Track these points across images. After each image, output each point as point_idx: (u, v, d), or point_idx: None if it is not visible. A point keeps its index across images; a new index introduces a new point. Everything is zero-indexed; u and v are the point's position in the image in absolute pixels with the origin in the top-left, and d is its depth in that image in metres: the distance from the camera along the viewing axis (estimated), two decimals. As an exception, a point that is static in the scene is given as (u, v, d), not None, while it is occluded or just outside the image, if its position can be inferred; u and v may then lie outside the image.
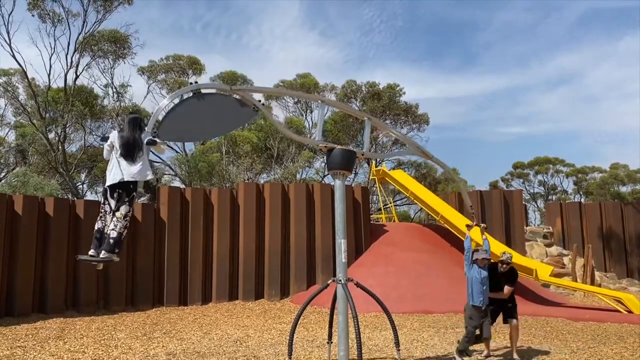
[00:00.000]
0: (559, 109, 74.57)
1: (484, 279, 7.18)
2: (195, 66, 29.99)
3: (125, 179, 5.45)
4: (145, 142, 5.62)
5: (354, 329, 5.95)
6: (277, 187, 15.55)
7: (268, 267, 14.88)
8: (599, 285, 16.92)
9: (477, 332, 7.16)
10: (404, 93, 31.88)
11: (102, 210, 5.62)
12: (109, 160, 5.62)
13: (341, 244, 6.54)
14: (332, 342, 6.96)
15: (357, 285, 6.52)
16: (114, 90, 27.07)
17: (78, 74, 24.43)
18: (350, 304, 6.18)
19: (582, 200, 39.44)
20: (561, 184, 43.10)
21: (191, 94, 5.99)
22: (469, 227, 7.98)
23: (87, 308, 12.54)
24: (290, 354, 6.23)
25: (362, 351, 5.94)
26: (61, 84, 24.67)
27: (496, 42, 76.66)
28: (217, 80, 30.89)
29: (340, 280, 6.42)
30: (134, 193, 5.66)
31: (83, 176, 30.54)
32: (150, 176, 5.69)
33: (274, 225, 15.07)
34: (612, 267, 20.31)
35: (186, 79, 30.06)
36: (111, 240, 5.47)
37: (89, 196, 30.25)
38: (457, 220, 15.78)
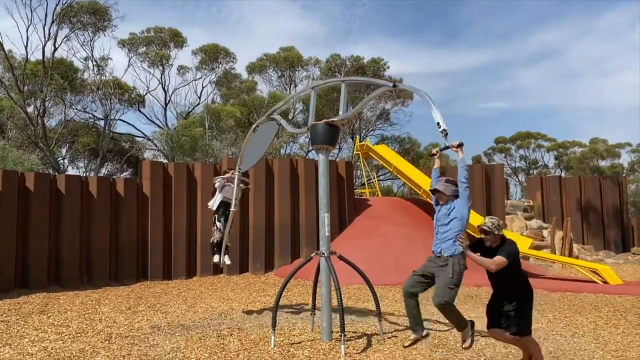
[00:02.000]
0: (540, 84, 75.09)
1: (442, 217, 5.64)
2: (177, 39, 29.52)
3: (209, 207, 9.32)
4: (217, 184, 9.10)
5: (337, 301, 6.06)
6: (261, 162, 15.50)
7: (252, 241, 14.95)
8: (577, 257, 17.33)
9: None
10: (388, 67, 31.86)
11: None
12: None
13: (324, 217, 6.61)
14: (315, 314, 7.07)
15: (340, 258, 6.61)
16: (94, 63, 26.57)
17: (56, 46, 23.92)
18: (333, 276, 6.27)
19: (563, 174, 40.07)
20: (542, 158, 43.68)
21: (253, 132, 8.43)
22: (433, 155, 6.17)
23: (71, 283, 12.51)
24: (274, 325, 6.33)
25: (345, 322, 6.06)
26: (39, 57, 24.15)
27: (479, 17, 76.52)
28: (200, 53, 30.48)
29: (324, 253, 6.50)
30: (215, 215, 9.00)
31: (64, 151, 30.13)
32: (210, 205, 9.26)
33: (258, 200, 15.09)
34: (590, 239, 20.78)
35: (168, 51, 29.60)
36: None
37: (70, 171, 29.95)
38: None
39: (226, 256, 8.99)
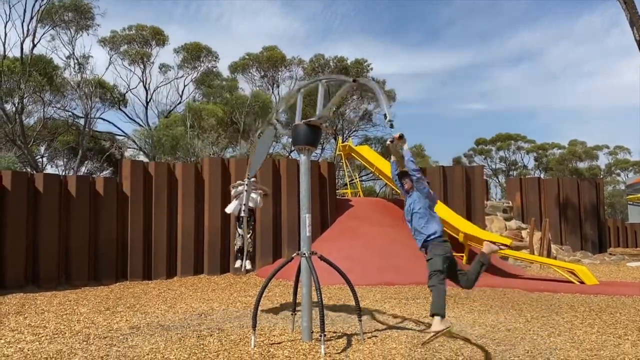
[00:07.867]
0: (519, 86, 76.10)
1: (410, 205, 5.95)
2: (159, 37, 29.28)
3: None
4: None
5: (317, 301, 6.07)
6: (243, 162, 15.47)
7: (233, 241, 14.88)
8: (555, 258, 17.59)
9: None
10: (372, 69, 31.99)
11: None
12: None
13: (305, 218, 6.61)
14: (295, 314, 7.08)
15: (321, 258, 6.62)
16: (75, 61, 26.23)
17: (35, 43, 23.58)
18: (313, 277, 6.28)
19: (542, 175, 40.63)
20: (522, 159, 44.24)
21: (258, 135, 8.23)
22: (388, 148, 6.54)
23: (48, 283, 12.34)
24: (254, 325, 6.32)
25: (325, 322, 6.08)
26: (17, 54, 23.78)
27: (459, 17, 77.27)
28: (182, 51, 30.24)
29: (305, 254, 6.51)
30: (237, 222, 9.30)
31: (42, 149, 29.69)
32: (227, 211, 9.75)
33: (240, 200, 15.03)
34: (568, 240, 21.10)
35: (149, 50, 29.34)
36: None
37: (49, 169, 29.51)
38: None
39: (247, 261, 9.14)
